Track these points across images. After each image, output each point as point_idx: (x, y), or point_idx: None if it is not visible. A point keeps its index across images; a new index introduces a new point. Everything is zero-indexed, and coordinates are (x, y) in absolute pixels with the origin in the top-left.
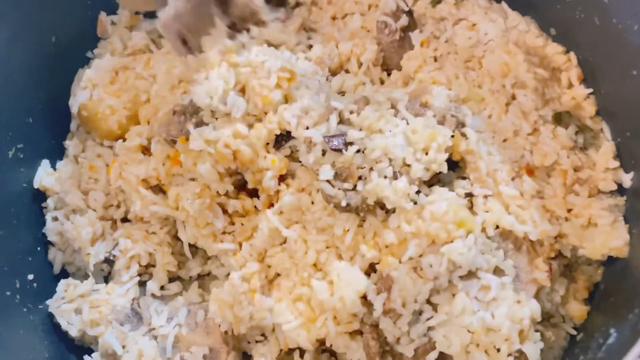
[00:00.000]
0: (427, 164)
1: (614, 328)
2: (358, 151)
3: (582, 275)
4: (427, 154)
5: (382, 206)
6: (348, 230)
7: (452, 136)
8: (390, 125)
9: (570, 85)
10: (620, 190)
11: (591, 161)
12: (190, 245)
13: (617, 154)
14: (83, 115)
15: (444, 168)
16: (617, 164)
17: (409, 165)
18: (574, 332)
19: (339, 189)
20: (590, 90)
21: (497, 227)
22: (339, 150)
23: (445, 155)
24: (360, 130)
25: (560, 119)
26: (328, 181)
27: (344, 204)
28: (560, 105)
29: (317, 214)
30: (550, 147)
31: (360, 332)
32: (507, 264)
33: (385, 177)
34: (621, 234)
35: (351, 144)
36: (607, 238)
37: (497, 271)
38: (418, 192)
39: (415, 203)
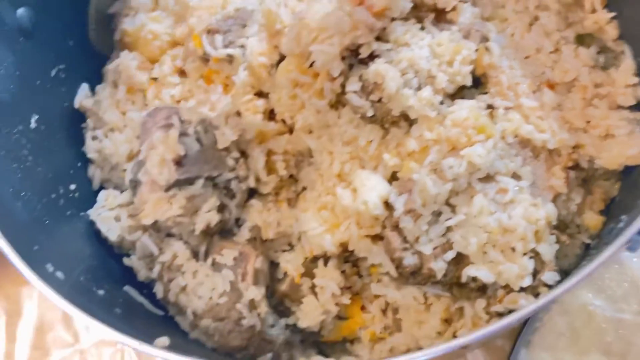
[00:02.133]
0: (451, 76)
1: (625, 215)
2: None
3: (599, 188)
4: (451, 66)
5: (407, 118)
6: (372, 141)
7: (476, 50)
8: (416, 38)
9: (594, 10)
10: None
11: (611, 79)
12: None
13: (637, 72)
14: (125, 41)
15: (468, 80)
16: (636, 80)
17: (434, 77)
18: (589, 241)
19: (366, 99)
20: (614, 14)
21: (517, 136)
22: (366, 63)
23: (470, 68)
24: (387, 42)
25: (582, 40)
26: (355, 92)
27: (370, 114)
28: (582, 29)
29: (343, 127)
30: (571, 65)
31: (381, 238)
32: (525, 169)
33: (411, 88)
34: (637, 142)
35: (378, 56)
36: (623, 147)
37: (515, 176)
38: (442, 103)
39: (438, 113)
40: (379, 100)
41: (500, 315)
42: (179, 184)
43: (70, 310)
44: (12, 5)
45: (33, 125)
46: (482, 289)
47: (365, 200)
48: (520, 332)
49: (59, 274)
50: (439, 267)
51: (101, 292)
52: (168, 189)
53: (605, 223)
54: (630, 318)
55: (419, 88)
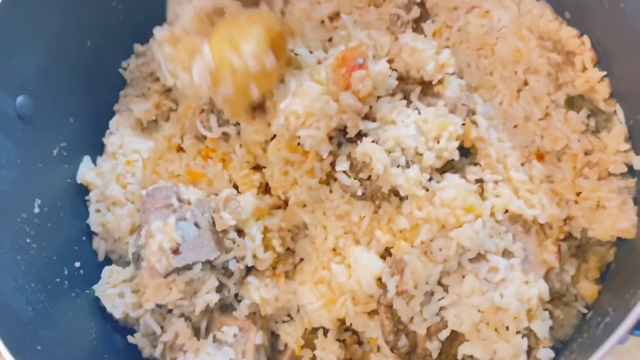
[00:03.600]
0: (438, 152)
1: (612, 307)
2: (372, 142)
3: (594, 255)
4: (438, 142)
5: (396, 193)
6: (364, 217)
7: (463, 124)
8: (402, 116)
9: (585, 69)
10: (632, 172)
11: (602, 144)
12: None
13: (629, 136)
14: None
15: (455, 155)
16: (628, 146)
17: (421, 154)
18: (585, 311)
19: (355, 178)
20: (604, 72)
21: (507, 211)
22: (354, 142)
23: (456, 144)
24: (374, 121)
25: (573, 103)
26: (344, 172)
27: (359, 193)
28: (573, 89)
29: (336, 202)
30: (560, 132)
31: (377, 312)
32: (516, 246)
33: (399, 166)
34: (629, 215)
35: (365, 135)
36: (615, 220)
37: (506, 253)
38: (430, 179)
39: (427, 190)
40: (368, 178)
41: None
42: (177, 270)
43: None
44: (10, 95)
45: (37, 210)
46: None
47: (359, 280)
48: None
49: None
50: (434, 346)
51: None
52: (167, 275)
53: (601, 292)
54: None
55: (407, 165)
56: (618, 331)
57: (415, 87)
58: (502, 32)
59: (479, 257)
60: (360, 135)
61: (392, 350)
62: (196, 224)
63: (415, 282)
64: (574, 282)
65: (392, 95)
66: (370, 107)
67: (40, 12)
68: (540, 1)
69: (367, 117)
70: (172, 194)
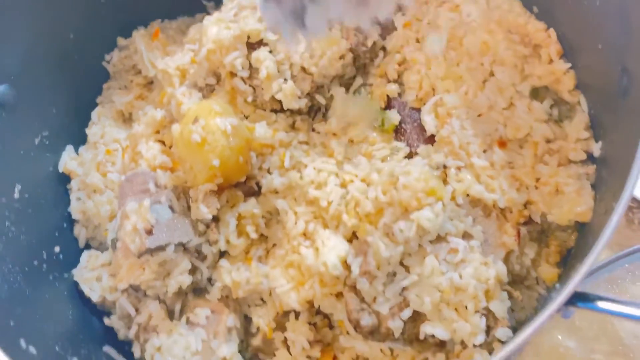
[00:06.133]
0: (322, 69)
1: (559, 284)
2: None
3: (555, 240)
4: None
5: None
6: (332, 202)
7: None
8: None
9: (551, 61)
10: (593, 160)
11: (564, 133)
12: None
13: (590, 125)
14: None
15: (340, 71)
16: (588, 134)
17: (306, 70)
18: (545, 293)
19: (250, 86)
20: (569, 65)
21: (468, 195)
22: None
23: (341, 62)
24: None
25: (537, 94)
26: (241, 78)
27: (249, 99)
28: (539, 81)
29: (305, 187)
30: (523, 120)
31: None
32: (476, 229)
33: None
34: (586, 200)
35: (266, 44)
36: (572, 204)
37: (466, 236)
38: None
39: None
40: None
41: None
42: (150, 251)
43: None
44: None
45: (17, 195)
46: (441, 344)
47: (324, 261)
48: None
49: (32, 349)
50: (396, 325)
51: (75, 359)
52: (141, 255)
53: (561, 275)
54: (601, 359)
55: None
56: (552, 304)
57: None
58: (471, 26)
59: (439, 238)
60: (260, 43)
61: (355, 329)
62: (171, 208)
63: (378, 262)
64: (535, 266)
65: None
66: None
67: (24, 3)
68: None
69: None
70: (149, 179)
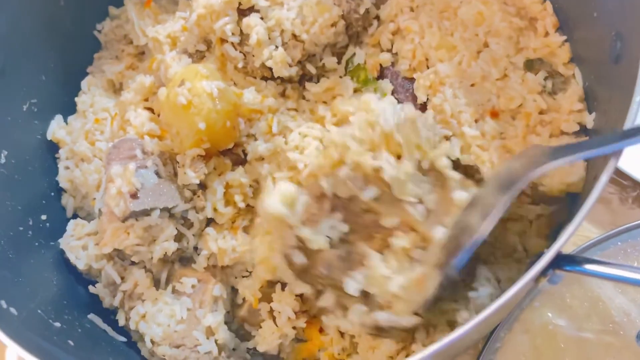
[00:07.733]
0: (313, 37)
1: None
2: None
3: (546, 212)
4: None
5: None
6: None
7: None
8: None
9: (546, 34)
10: (586, 132)
11: (558, 105)
12: None
13: (583, 97)
14: None
15: (332, 39)
16: (581, 106)
17: (297, 38)
18: None
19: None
20: (565, 37)
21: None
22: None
23: (333, 29)
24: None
25: (532, 66)
26: (232, 43)
27: (240, 65)
28: (534, 53)
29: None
30: (517, 92)
31: None
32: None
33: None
34: (578, 170)
35: (257, 11)
36: (564, 175)
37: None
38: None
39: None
40: None
41: None
42: (135, 215)
43: (12, 346)
44: None
45: (3, 160)
46: None
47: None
48: (481, 353)
49: (12, 310)
50: None
51: (57, 324)
52: (125, 219)
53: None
54: (591, 337)
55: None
56: (538, 264)
57: None
58: None
59: None
60: (252, 9)
61: (289, 266)
62: (157, 173)
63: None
64: (524, 239)
65: None
66: None
67: None
68: None
69: None
70: (136, 146)
